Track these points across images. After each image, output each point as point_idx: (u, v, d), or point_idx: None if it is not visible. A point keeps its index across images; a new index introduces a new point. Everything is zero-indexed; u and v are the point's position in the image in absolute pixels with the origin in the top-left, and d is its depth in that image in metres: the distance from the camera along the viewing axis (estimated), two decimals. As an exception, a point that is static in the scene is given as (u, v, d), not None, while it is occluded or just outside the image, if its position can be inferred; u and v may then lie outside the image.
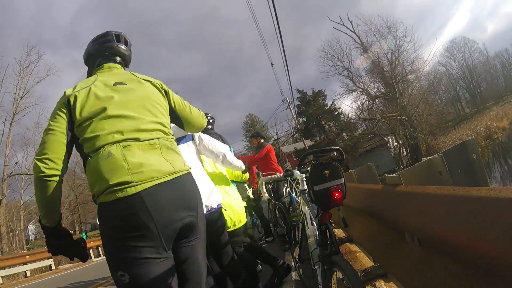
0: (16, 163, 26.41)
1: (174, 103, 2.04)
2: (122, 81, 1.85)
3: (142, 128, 1.70)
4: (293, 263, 4.12)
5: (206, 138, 2.90)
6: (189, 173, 1.84)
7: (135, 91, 1.82)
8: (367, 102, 35.13)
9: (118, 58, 2.05)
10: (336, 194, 2.11)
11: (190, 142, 2.77)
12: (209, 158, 2.98)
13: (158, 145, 1.71)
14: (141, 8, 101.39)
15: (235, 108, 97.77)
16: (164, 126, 1.83)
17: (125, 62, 2.12)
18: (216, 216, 2.64)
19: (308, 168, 2.82)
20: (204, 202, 2.20)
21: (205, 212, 2.23)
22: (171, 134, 1.88)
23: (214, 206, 2.60)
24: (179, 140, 2.61)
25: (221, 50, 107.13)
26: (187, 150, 2.68)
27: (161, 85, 2.00)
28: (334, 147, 2.36)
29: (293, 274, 4.22)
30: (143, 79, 1.94)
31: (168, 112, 1.98)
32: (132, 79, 1.90)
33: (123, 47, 2.07)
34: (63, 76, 79.84)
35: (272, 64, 26.53)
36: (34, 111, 29.34)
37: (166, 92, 2.00)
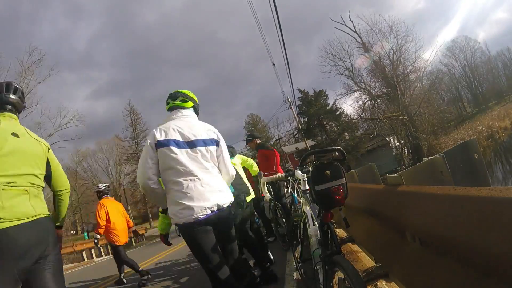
0: None
1: (51, 161, 2.45)
2: (17, 133, 2.21)
3: (19, 176, 2.09)
4: (294, 263, 4.13)
5: (226, 154, 3.10)
6: (48, 217, 2.23)
7: (23, 144, 2.20)
8: (369, 102, 35.09)
9: (8, 106, 2.36)
10: (338, 194, 2.12)
11: (213, 148, 2.92)
12: (218, 167, 3.05)
13: (28, 191, 2.11)
14: (146, 33, 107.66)
15: (236, 113, 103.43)
16: (37, 177, 2.24)
17: (17, 109, 2.43)
18: (226, 213, 2.80)
19: (310, 168, 2.83)
20: (216, 202, 2.65)
21: (216, 210, 2.63)
22: (41, 186, 2.30)
23: (226, 205, 2.78)
24: (203, 143, 2.82)
25: (219, 67, 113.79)
26: (206, 152, 2.83)
27: (46, 144, 2.44)
28: (336, 147, 2.37)
29: (295, 274, 4.25)
30: (33, 137, 2.35)
31: (45, 168, 2.38)
32: (24, 134, 2.27)
33: (12, 96, 2.38)
34: (77, 90, 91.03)
35: (273, 64, 26.49)
36: (36, 112, 30.08)
37: (48, 150, 2.44)
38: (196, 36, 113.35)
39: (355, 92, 35.95)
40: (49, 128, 30.70)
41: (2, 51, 52.55)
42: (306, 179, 2.59)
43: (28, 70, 28.47)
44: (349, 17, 34.78)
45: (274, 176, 3.56)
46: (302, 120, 40.43)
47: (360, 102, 36.19)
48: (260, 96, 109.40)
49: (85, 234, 41.54)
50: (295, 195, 4.50)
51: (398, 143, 37.03)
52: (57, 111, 36.09)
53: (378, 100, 34.99)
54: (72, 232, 55.73)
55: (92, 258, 17.74)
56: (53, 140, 30.43)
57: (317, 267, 2.40)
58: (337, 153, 2.35)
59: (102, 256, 18.30)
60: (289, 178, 3.27)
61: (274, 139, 70.18)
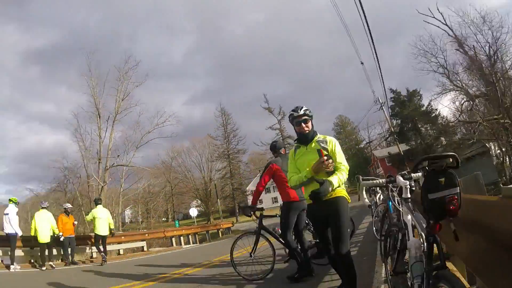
0: (118, 155, 32.02)
1: None
2: None
3: None
4: (383, 274, 3.95)
5: None
6: None
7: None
8: (466, 102, 32.21)
9: None
10: (452, 204, 1.99)
11: None
12: None
13: None
14: (233, 45, 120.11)
15: (323, 117, 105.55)
16: None
17: None
18: None
19: (413, 175, 2.73)
20: None
21: None
22: None
23: None
24: None
25: (304, 73, 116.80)
26: None
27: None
28: (450, 153, 2.19)
29: (383, 287, 4.11)
30: None
31: None
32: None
33: None
34: (175, 97, 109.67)
35: (362, 63, 25.79)
36: (135, 112, 34.21)
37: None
38: (279, 46, 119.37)
39: (450, 92, 33.02)
40: (147, 127, 34.36)
41: (102, 60, 60.56)
42: (408, 186, 2.42)
43: (126, 76, 32.83)
44: (437, 9, 31.67)
45: (374, 181, 3.40)
46: (395, 122, 38.81)
47: (457, 103, 33.24)
48: (348, 99, 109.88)
49: (176, 222, 44.06)
50: (391, 202, 4.24)
51: (499, 151, 33.88)
52: (154, 111, 40.23)
53: (477, 101, 32.01)
54: (163, 219, 59.79)
55: (180, 244, 18.67)
56: (151, 137, 34.40)
57: (415, 281, 2.25)
58: (451, 160, 2.15)
59: (189, 243, 19.19)
60: (389, 184, 3.10)
61: (364, 142, 68.82)
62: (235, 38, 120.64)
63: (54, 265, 10.55)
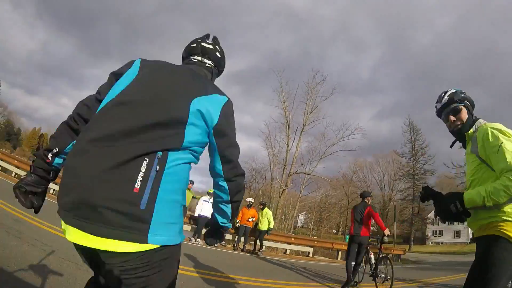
0: (302, 164, 34.13)
1: None
2: None
3: None
4: None
5: None
6: None
7: None
8: None
9: None
10: None
11: None
12: None
13: None
14: (422, 55, 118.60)
15: None
16: None
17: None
18: None
19: None
20: None
21: None
22: None
23: None
24: None
25: (506, 82, 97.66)
26: None
27: None
28: None
29: None
30: None
31: None
32: None
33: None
34: (363, 112, 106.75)
35: None
36: (321, 124, 35.96)
37: None
38: (472, 51, 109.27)
39: None
40: (332, 139, 34.95)
41: (292, 77, 65.83)
42: None
43: (314, 90, 34.50)
44: None
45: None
46: None
47: None
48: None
49: (347, 236, 43.87)
50: None
51: None
52: (340, 124, 40.97)
53: None
54: (334, 231, 60.08)
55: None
56: (335, 149, 34.79)
57: None
58: None
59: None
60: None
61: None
62: (424, 47, 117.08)
63: (219, 244, 13.28)
